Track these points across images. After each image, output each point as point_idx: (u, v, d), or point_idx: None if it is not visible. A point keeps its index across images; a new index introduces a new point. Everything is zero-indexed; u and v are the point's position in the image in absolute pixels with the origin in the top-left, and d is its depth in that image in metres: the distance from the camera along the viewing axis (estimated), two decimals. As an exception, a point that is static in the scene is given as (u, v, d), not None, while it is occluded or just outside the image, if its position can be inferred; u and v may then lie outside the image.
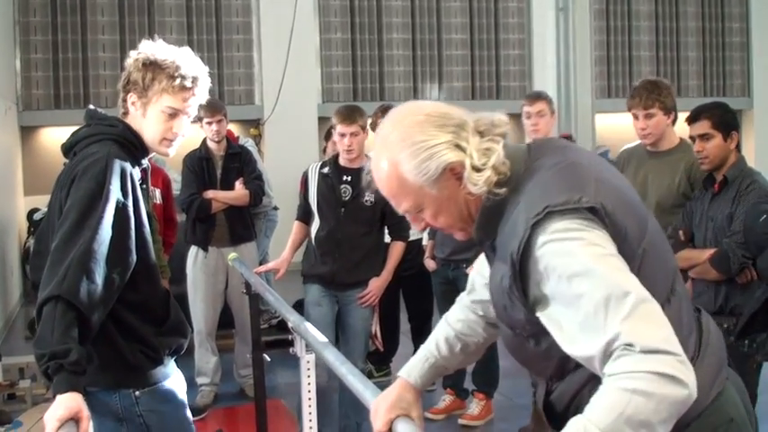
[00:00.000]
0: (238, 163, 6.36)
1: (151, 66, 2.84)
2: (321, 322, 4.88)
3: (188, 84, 2.84)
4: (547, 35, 10.06)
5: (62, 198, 2.73)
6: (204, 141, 6.34)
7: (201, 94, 2.91)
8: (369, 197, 5.11)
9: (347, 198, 5.18)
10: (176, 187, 7.10)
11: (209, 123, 6.18)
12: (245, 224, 6.38)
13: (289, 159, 10.46)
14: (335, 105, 10.75)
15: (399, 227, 5.33)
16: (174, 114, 2.85)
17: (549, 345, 1.94)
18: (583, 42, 9.47)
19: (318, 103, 11.61)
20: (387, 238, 5.44)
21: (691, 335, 1.99)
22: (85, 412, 2.40)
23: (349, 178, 5.19)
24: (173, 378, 2.91)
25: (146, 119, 2.86)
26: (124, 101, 2.89)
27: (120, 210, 2.68)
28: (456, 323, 2.45)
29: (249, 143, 7.47)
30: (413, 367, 2.42)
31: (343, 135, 5.10)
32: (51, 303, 2.48)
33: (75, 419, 2.36)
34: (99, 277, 2.56)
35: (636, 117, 4.54)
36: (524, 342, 2.04)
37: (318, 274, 5.22)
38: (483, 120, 2.00)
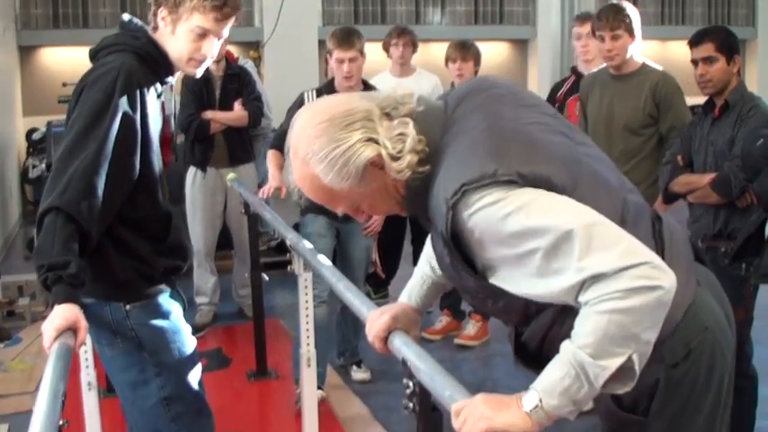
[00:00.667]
0: (237, 84, 6.30)
1: None
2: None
3: (220, 4, 2.75)
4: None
5: (71, 107, 2.69)
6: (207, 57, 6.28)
7: (233, 17, 2.82)
8: None
9: None
10: (170, 107, 7.09)
11: (213, 36, 6.11)
12: (243, 145, 6.34)
13: (289, 82, 10.37)
14: (334, 28, 10.74)
15: None
16: (203, 35, 2.75)
17: (507, 301, 1.94)
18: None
19: (319, 26, 11.49)
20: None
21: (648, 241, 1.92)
22: (83, 322, 2.42)
23: None
24: (167, 295, 2.88)
25: (174, 36, 2.76)
26: (154, 15, 2.79)
27: (127, 124, 2.62)
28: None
29: (249, 65, 7.38)
30: (411, 290, 2.43)
31: (341, 61, 4.80)
32: (52, 215, 2.48)
33: (72, 329, 2.38)
34: (100, 191, 2.54)
35: (602, 39, 4.58)
36: (483, 301, 2.04)
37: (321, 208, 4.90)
38: (387, 102, 1.96)
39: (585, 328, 1.73)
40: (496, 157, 1.83)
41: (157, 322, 2.82)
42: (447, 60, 5.91)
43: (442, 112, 2.03)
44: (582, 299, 1.75)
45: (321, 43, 11.14)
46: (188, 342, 2.92)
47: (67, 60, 10.92)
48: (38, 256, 2.46)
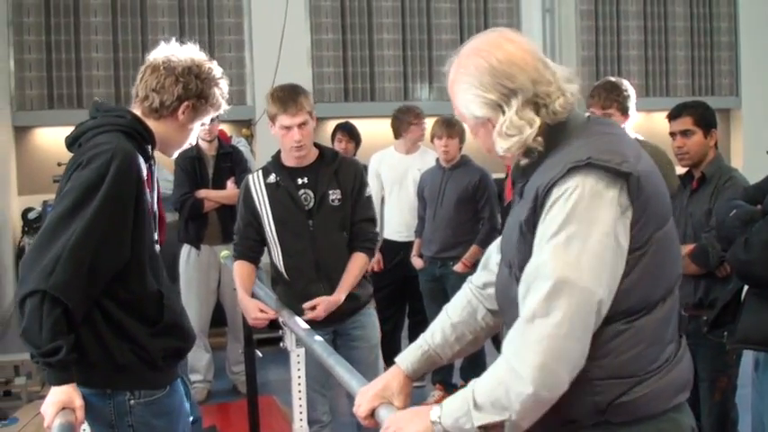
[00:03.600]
0: (230, 162, 6.45)
1: (208, 80, 2.84)
2: (320, 371, 3.89)
3: (227, 98, 2.90)
4: (534, 36, 10.15)
5: (61, 186, 2.68)
6: (196, 141, 6.39)
7: None
8: (334, 194, 4.18)
9: (312, 205, 4.16)
10: (165, 186, 7.17)
11: (202, 124, 6.22)
12: (236, 222, 6.42)
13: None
14: (327, 106, 10.89)
15: (363, 232, 4.26)
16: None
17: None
18: (569, 43, 9.58)
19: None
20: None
21: (671, 343, 2.11)
22: (78, 402, 2.46)
23: (306, 179, 4.18)
24: (172, 390, 2.83)
25: (186, 131, 2.87)
26: (174, 105, 2.80)
27: (119, 203, 2.60)
28: (454, 311, 2.48)
29: (242, 143, 7.53)
30: (407, 354, 2.47)
31: (287, 128, 4.07)
32: (37, 298, 2.45)
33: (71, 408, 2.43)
34: (87, 271, 2.52)
35: None
36: (512, 285, 2.13)
37: (305, 313, 4.06)
38: (547, 92, 2.10)
39: (490, 372, 1.99)
40: (627, 155, 2.02)
41: (159, 422, 2.77)
42: (433, 137, 6.05)
43: (582, 121, 2.17)
44: (511, 331, 1.98)
45: (312, 120, 11.26)
46: None
47: (62, 140, 10.89)
48: (26, 342, 2.47)
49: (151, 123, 2.81)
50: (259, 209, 4.23)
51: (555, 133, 2.11)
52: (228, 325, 6.68)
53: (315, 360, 3.51)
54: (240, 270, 4.34)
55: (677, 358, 2.11)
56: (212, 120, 6.10)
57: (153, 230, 2.81)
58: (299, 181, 4.18)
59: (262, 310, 4.15)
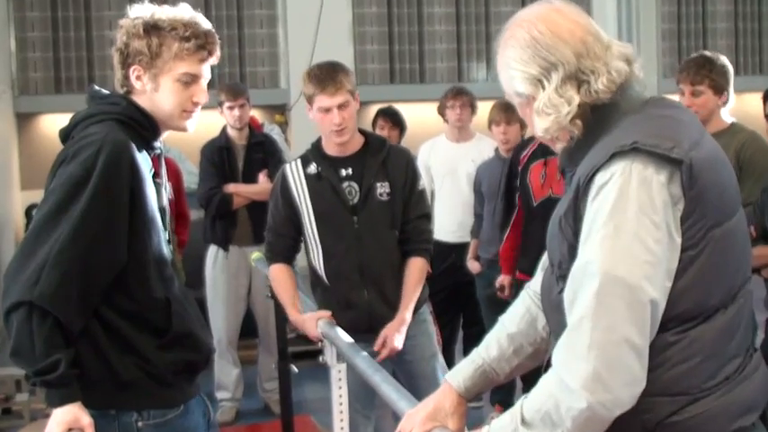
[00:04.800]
0: (262, 153, 6.48)
1: (155, 30, 2.76)
2: (363, 390, 3.99)
3: (202, 42, 2.79)
4: (607, 7, 10.13)
5: (48, 184, 2.67)
6: (224, 129, 6.46)
7: (216, 51, 2.87)
8: (382, 187, 4.19)
9: (356, 200, 4.17)
10: (190, 180, 7.25)
11: (231, 108, 6.29)
12: (269, 221, 6.45)
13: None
14: (370, 89, 10.89)
15: (419, 231, 4.24)
16: (190, 81, 2.80)
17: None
18: (648, 14, 9.52)
19: (351, 86, 11.63)
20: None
21: (736, 358, 2.09)
22: (85, 419, 2.49)
23: (350, 171, 4.20)
24: (187, 410, 2.83)
25: (159, 92, 2.79)
26: (126, 77, 2.81)
27: (111, 201, 2.60)
28: (511, 321, 2.49)
29: (275, 131, 7.57)
30: (459, 370, 2.47)
31: (326, 110, 4.08)
32: (23, 310, 2.46)
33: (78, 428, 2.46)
34: (78, 278, 2.52)
35: (682, 93, 4.59)
36: (553, 286, 2.17)
37: (348, 324, 3.99)
38: (592, 67, 2.13)
39: (539, 386, 2.03)
40: (680, 140, 2.02)
41: None
42: (490, 123, 6.05)
43: (639, 103, 2.19)
44: (561, 339, 2.01)
45: (354, 104, 11.25)
46: None
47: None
48: (18, 361, 2.48)
49: (141, 104, 2.82)
50: (298, 203, 4.22)
51: (604, 116, 2.13)
52: (260, 336, 6.71)
53: (358, 376, 3.51)
54: (280, 276, 4.33)
55: (742, 375, 2.09)
56: (243, 104, 6.24)
57: (159, 230, 2.80)
58: (343, 172, 4.19)
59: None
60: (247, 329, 6.77)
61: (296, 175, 4.24)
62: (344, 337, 3.78)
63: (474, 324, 6.55)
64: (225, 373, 6.50)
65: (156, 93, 2.80)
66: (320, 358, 4.00)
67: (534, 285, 2.48)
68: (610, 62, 2.12)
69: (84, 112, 2.81)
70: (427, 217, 4.34)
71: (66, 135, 2.81)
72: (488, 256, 6.14)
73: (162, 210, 2.86)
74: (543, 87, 2.12)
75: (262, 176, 6.39)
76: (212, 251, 6.46)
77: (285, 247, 4.35)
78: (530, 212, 5.36)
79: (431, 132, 7.42)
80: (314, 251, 4.26)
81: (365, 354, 3.51)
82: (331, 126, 4.09)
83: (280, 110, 11.01)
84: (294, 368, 5.16)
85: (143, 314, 2.71)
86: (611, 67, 2.12)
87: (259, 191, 6.32)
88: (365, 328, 4.09)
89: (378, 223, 4.17)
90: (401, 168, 4.23)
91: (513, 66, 2.16)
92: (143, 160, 2.74)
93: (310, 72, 4.16)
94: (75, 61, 10.89)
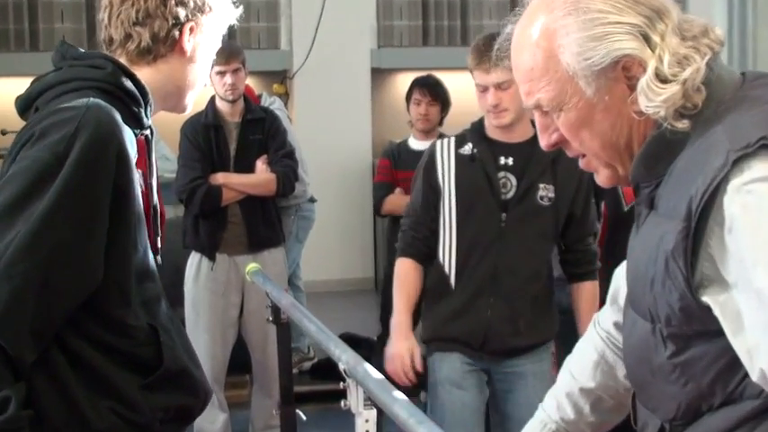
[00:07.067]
0: (260, 134, 6.44)
1: None
2: (462, 413, 4.38)
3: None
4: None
5: (5, 168, 2.60)
6: (212, 102, 6.41)
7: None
8: (545, 189, 4.42)
9: (511, 194, 4.42)
10: (165, 167, 7.20)
11: (221, 74, 6.21)
12: (269, 222, 6.46)
13: (330, 129, 10.45)
14: (398, 52, 10.87)
15: (588, 253, 4.58)
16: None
17: (693, 358, 2.00)
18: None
19: (372, 49, 11.60)
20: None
21: None
22: None
23: (510, 160, 4.44)
24: None
25: (196, 62, 2.86)
26: (167, 32, 2.79)
27: (86, 198, 2.51)
28: (582, 371, 2.49)
29: (276, 104, 7.51)
30: None
31: (483, 88, 4.37)
32: None
33: None
34: (33, 298, 2.44)
35: None
36: (657, 347, 2.07)
37: (460, 334, 4.40)
38: (691, 21, 2.04)
39: None
40: None
41: None
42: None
43: (737, 80, 2.08)
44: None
45: (375, 72, 11.27)
46: None
47: (7, 98, 10.99)
48: None
49: (144, 73, 2.79)
50: (441, 183, 4.50)
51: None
52: (254, 372, 6.71)
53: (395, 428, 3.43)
54: (407, 274, 4.58)
55: None
56: (237, 69, 6.19)
57: (145, 238, 2.75)
58: (502, 160, 4.43)
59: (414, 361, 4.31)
60: (236, 363, 6.73)
61: (445, 153, 4.52)
62: (375, 374, 3.73)
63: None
64: (208, 419, 6.41)
65: (191, 63, 2.85)
66: (342, 403, 3.95)
67: (604, 321, 2.48)
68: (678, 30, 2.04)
69: (52, 75, 2.73)
70: (596, 236, 4.54)
71: (25, 105, 2.74)
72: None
73: (153, 209, 2.86)
74: (651, 45, 1.99)
75: (260, 164, 6.36)
76: (194, 260, 6.44)
77: (421, 239, 4.57)
78: (618, 220, 5.33)
79: (477, 110, 7.36)
80: (446, 244, 4.48)
81: (404, 397, 3.45)
82: (486, 106, 4.36)
83: (279, 78, 10.99)
84: (301, 415, 5.08)
85: (123, 345, 2.66)
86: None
87: (256, 182, 6.33)
88: (477, 345, 4.36)
89: (529, 228, 4.42)
90: (574, 175, 4.33)
91: (599, 21, 2.00)
92: (131, 142, 2.66)
93: (476, 42, 4.45)
94: (14, 9, 10.85)
